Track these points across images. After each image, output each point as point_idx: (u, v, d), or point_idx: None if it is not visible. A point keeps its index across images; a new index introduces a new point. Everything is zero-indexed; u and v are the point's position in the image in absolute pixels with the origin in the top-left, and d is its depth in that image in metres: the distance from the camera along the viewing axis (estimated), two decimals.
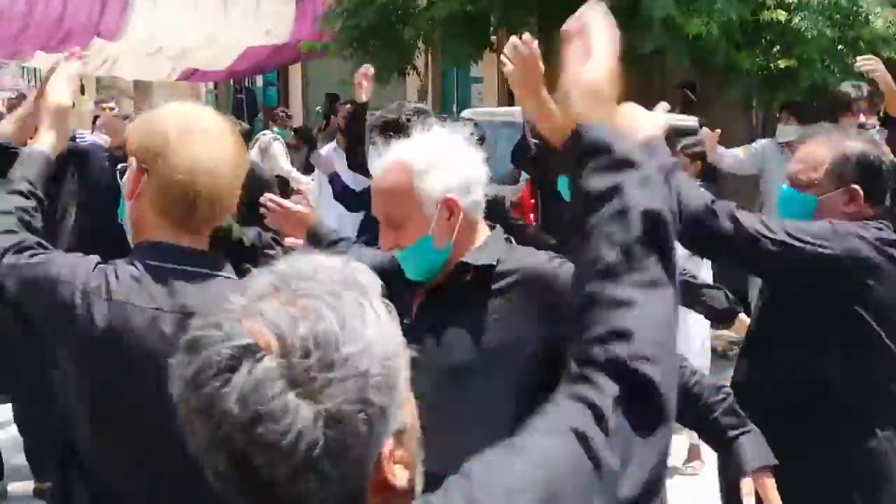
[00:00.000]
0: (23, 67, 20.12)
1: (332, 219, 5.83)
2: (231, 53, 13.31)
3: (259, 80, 17.88)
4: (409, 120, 4.28)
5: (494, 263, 2.25)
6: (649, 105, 2.69)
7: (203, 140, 1.96)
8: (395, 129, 4.13)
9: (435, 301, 2.30)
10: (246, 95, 17.55)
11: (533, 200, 8.27)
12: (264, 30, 12.58)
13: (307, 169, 9.85)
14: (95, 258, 2.03)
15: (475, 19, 9.43)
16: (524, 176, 8.41)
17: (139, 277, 1.96)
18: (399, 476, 1.04)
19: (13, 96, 12.42)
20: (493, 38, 10.13)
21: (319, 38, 11.21)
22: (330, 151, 7.74)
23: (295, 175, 10.03)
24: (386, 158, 2.30)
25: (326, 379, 0.96)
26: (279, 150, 10.11)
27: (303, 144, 11.28)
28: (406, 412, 1.06)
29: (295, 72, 16.55)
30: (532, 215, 8.06)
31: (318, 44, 11.26)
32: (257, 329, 0.98)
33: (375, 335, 1.01)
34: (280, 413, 0.95)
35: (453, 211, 2.23)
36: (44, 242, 2.14)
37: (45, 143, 2.38)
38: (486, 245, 2.30)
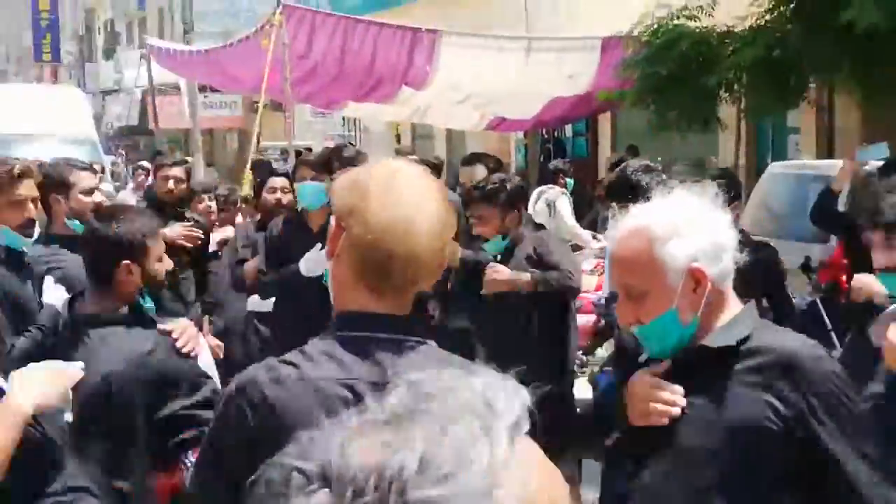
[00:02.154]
0: (343, 117, 21.40)
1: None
2: (536, 103, 13.49)
3: (568, 130, 18.06)
4: (638, 179, 4.17)
5: (734, 344, 2.12)
6: None
7: (401, 198, 1.90)
8: (630, 190, 4.03)
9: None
10: (555, 145, 17.78)
11: (846, 260, 7.79)
12: (568, 79, 12.66)
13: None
14: None
15: (782, 66, 9.05)
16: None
17: (332, 349, 1.93)
18: None
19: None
20: (812, 86, 9.73)
21: (619, 87, 11.16)
22: None
23: (580, 233, 9.93)
24: (623, 224, 2.20)
25: None
26: (565, 206, 10.06)
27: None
28: None
29: (605, 121, 16.57)
30: (844, 277, 7.59)
31: (616, 93, 11.22)
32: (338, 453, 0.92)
33: (476, 478, 0.90)
34: None
35: (700, 281, 2.11)
36: None
37: None
38: (736, 321, 2.17)
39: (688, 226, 2.11)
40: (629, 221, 2.18)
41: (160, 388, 3.18)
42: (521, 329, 5.38)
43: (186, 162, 7.25)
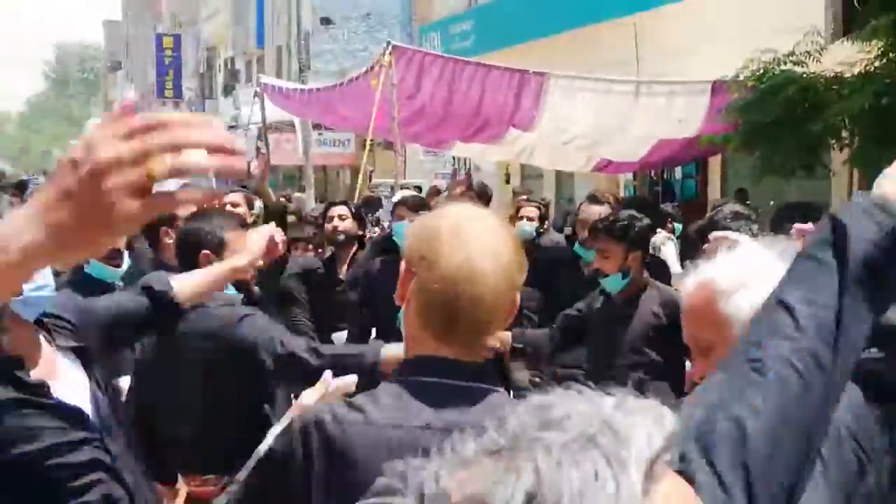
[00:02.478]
0: (453, 157, 21.61)
1: None
2: (643, 145, 13.49)
3: (678, 172, 17.97)
4: (725, 226, 4.19)
5: None
6: None
7: (470, 243, 1.91)
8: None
9: None
10: (663, 187, 17.70)
11: None
12: (676, 121, 12.64)
13: None
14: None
15: (891, 113, 8.91)
16: None
17: (399, 394, 1.94)
18: None
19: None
20: None
21: (725, 131, 11.12)
22: None
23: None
24: (690, 278, 2.21)
25: None
26: (671, 252, 10.00)
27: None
28: None
29: (715, 163, 16.45)
30: None
31: (720, 137, 11.18)
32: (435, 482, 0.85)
33: None
34: None
35: None
36: None
37: None
38: None
39: (754, 278, 2.06)
40: (696, 275, 2.18)
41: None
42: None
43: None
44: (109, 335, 2.96)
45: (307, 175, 15.43)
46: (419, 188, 21.58)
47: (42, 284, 2.54)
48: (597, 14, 16.45)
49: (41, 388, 2.48)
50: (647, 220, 5.60)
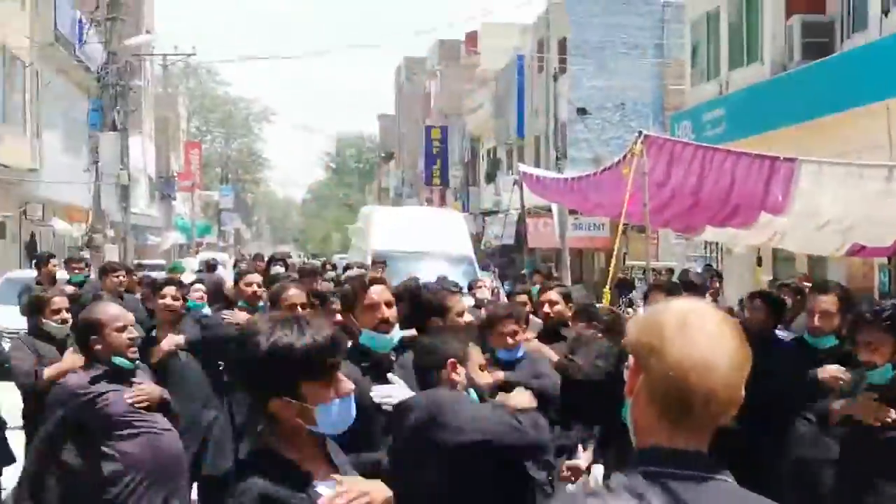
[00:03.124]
0: (705, 241, 21.23)
1: None
2: (894, 229, 12.91)
3: None
4: None
5: None
6: None
7: (698, 336, 1.91)
8: None
9: None
10: None
11: None
12: None
13: None
14: None
15: None
16: None
17: (634, 484, 1.92)
18: None
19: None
20: None
21: None
22: None
23: None
24: None
25: None
26: None
27: None
28: None
29: None
30: None
31: None
32: None
33: None
34: None
35: None
36: None
37: None
38: None
39: None
40: None
41: None
42: None
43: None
44: None
45: (563, 257, 15.62)
46: (671, 271, 21.39)
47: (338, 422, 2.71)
48: (849, 100, 15.95)
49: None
50: None
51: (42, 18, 28.11)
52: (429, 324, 5.01)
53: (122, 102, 25.87)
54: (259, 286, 8.24)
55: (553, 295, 7.18)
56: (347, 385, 2.65)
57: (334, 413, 2.63)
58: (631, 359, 1.98)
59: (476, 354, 4.10)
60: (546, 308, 7.09)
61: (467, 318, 5.32)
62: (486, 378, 4.10)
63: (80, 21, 31.29)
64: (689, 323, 1.92)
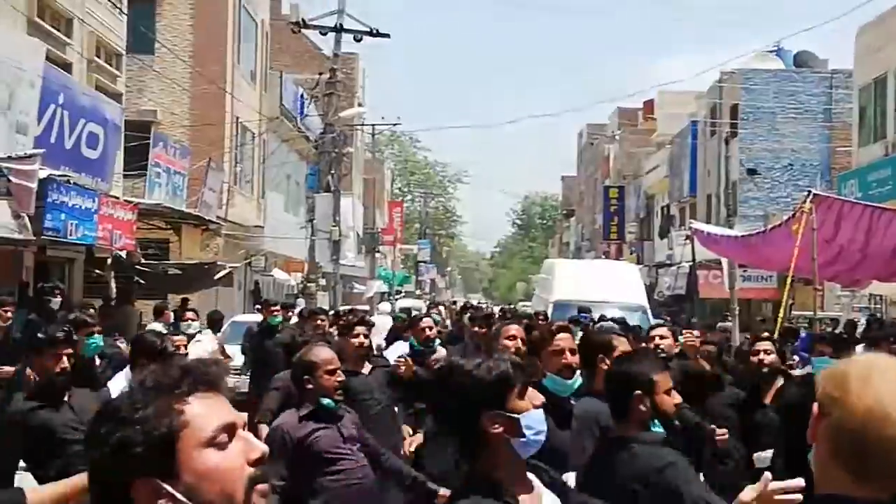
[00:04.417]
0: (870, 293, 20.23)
1: None
2: None
3: None
4: None
5: None
6: None
7: (880, 389, 1.82)
8: None
9: None
10: None
11: None
12: None
13: None
14: None
15: None
16: None
17: None
18: None
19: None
20: None
21: None
22: None
23: None
24: None
25: None
26: None
27: None
28: None
29: None
30: None
31: None
32: None
33: None
34: None
35: None
36: None
37: None
38: None
39: None
40: None
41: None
42: None
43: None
44: None
45: (732, 307, 15.26)
46: (836, 321, 20.47)
47: (539, 430, 2.62)
48: None
49: None
50: None
51: (269, 95, 29.78)
52: (597, 362, 4.95)
53: (335, 167, 26.83)
54: (430, 328, 8.73)
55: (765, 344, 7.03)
56: (539, 396, 2.65)
57: (535, 420, 2.59)
58: (816, 406, 1.91)
59: (664, 380, 3.68)
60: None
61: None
62: (672, 400, 3.67)
63: (302, 97, 33.02)
64: (872, 376, 1.84)
